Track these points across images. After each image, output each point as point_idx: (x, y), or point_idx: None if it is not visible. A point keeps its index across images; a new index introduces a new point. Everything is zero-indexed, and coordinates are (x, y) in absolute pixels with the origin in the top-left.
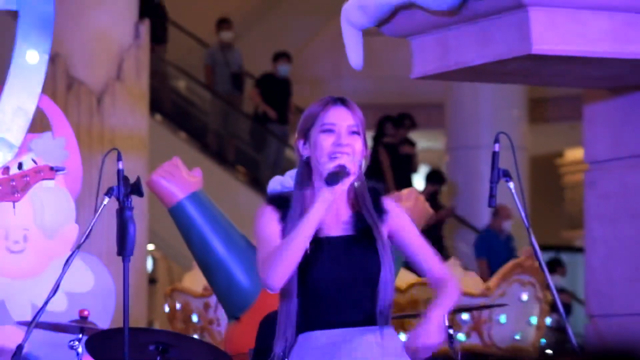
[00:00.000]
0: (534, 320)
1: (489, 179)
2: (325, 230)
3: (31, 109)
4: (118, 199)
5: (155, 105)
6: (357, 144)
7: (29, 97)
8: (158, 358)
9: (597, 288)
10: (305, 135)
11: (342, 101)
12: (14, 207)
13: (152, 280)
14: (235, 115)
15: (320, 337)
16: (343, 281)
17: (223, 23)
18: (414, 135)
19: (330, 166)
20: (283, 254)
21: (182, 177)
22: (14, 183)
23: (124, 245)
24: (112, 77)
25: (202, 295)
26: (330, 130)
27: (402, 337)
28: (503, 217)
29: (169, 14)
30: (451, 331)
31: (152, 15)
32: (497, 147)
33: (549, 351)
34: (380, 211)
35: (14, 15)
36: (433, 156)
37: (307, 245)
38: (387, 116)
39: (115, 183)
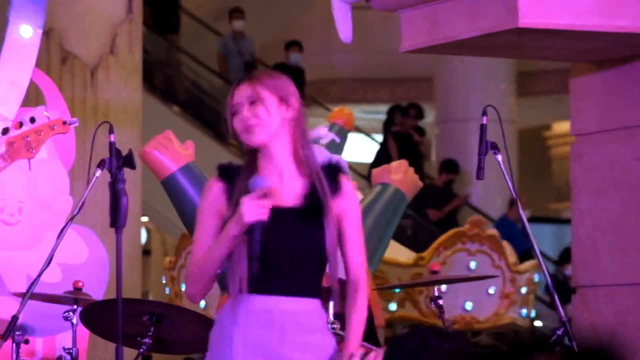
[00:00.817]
0: (492, 290)
1: (477, 152)
2: (277, 200)
3: (25, 83)
4: (110, 171)
5: (171, 96)
6: (260, 111)
7: (23, 71)
8: (152, 328)
9: (583, 259)
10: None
11: (242, 79)
12: (29, 164)
13: (146, 251)
14: None
15: (255, 301)
16: (286, 251)
17: (235, 12)
18: None
19: (244, 211)
20: (200, 273)
21: (174, 150)
22: (28, 139)
23: (116, 217)
24: (105, 51)
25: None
26: (236, 112)
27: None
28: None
29: (181, 3)
30: (441, 302)
31: (164, 4)
32: (484, 120)
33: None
34: (335, 189)
35: None
36: None
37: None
38: (396, 105)
39: (108, 156)
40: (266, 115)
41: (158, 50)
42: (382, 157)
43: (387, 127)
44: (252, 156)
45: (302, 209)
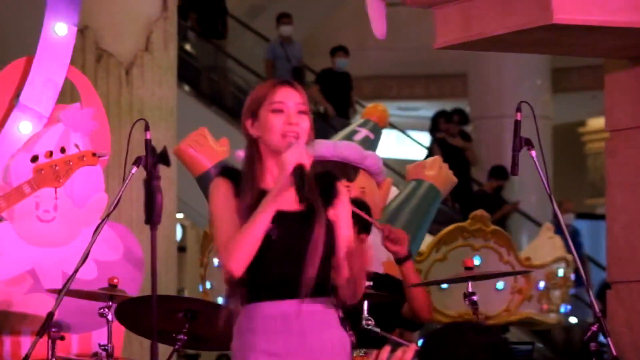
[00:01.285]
0: (500, 285)
1: (511, 148)
2: (282, 205)
3: (60, 80)
4: (145, 169)
5: (216, 100)
6: (305, 123)
7: (58, 69)
8: (187, 325)
9: (618, 255)
10: (253, 115)
11: (288, 82)
12: (55, 193)
13: (181, 248)
14: None
15: (270, 308)
16: (290, 254)
17: (283, 17)
18: (436, 105)
19: (286, 159)
20: (242, 243)
21: (209, 147)
22: (57, 168)
23: (151, 214)
24: (140, 48)
25: None
26: (279, 110)
27: None
28: (563, 210)
29: (229, 9)
30: (475, 298)
31: (212, 11)
32: (519, 116)
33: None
34: (331, 195)
35: None
36: None
37: (265, 231)
38: (441, 111)
39: (143, 153)
40: (307, 129)
41: (205, 56)
42: None
43: (432, 134)
44: (257, 153)
45: (304, 213)
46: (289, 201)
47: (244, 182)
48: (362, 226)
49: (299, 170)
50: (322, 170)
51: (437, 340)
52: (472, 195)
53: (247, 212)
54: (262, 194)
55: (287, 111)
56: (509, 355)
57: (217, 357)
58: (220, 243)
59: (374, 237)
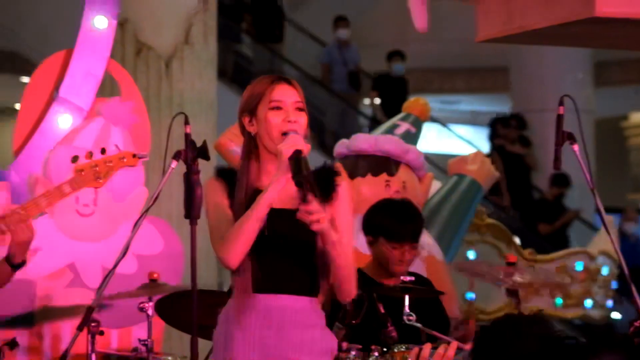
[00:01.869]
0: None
1: (553, 142)
2: (276, 202)
3: (100, 73)
4: (185, 163)
5: None
6: (303, 119)
7: (97, 62)
8: None
9: None
10: (251, 112)
11: (285, 79)
12: (95, 193)
13: None
14: (352, 114)
15: (257, 300)
16: (282, 251)
17: (340, 20)
18: (477, 99)
19: (283, 147)
20: (238, 235)
21: None
22: (97, 169)
23: (191, 209)
24: (180, 41)
25: None
26: (278, 107)
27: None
28: (626, 218)
29: (286, 13)
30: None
31: (269, 14)
32: (561, 110)
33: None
34: (330, 191)
35: None
36: None
37: (262, 223)
38: (498, 117)
39: (183, 147)
40: (305, 125)
41: (261, 60)
42: None
43: (491, 140)
44: (254, 150)
45: (295, 211)
46: (286, 199)
47: (239, 178)
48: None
49: (296, 154)
50: (323, 165)
51: (492, 332)
52: (532, 202)
53: (240, 209)
54: (256, 192)
55: (286, 108)
56: (564, 346)
57: None
58: (214, 236)
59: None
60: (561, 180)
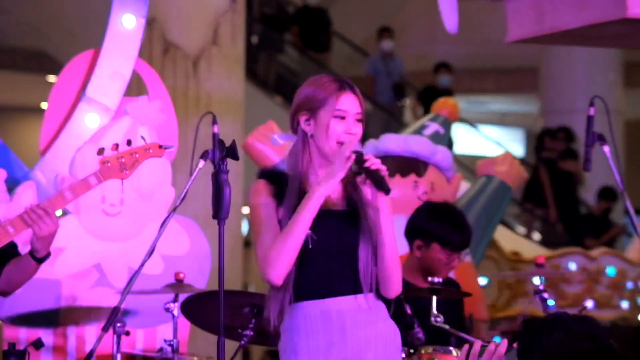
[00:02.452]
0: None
1: (583, 143)
2: (324, 203)
3: (128, 72)
4: (213, 162)
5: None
6: (360, 129)
7: (125, 61)
8: (253, 320)
9: None
10: (311, 112)
11: (351, 87)
12: (122, 184)
13: (247, 243)
14: (396, 126)
15: (312, 307)
16: (330, 254)
17: (384, 31)
18: (506, 99)
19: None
20: (281, 252)
21: None
22: (123, 160)
23: (219, 209)
24: (208, 41)
25: None
26: (342, 117)
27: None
28: None
29: (332, 23)
30: (545, 295)
31: (316, 23)
32: (592, 111)
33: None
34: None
35: None
36: (528, 120)
37: (306, 233)
38: (546, 129)
39: (210, 146)
40: (360, 136)
41: (306, 70)
42: (534, 185)
43: (538, 153)
44: (307, 150)
45: (344, 212)
46: (333, 200)
47: (291, 180)
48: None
49: (359, 155)
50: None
51: (540, 330)
52: (579, 217)
53: (290, 212)
54: (304, 195)
55: (348, 119)
56: (610, 345)
57: (265, 351)
58: (259, 253)
59: None
60: (609, 194)
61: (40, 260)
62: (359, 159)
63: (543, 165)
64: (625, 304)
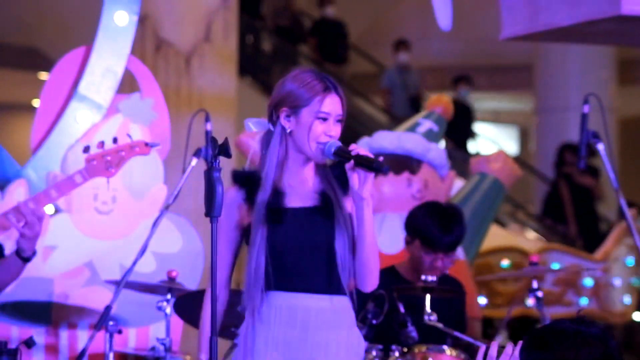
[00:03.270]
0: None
1: (578, 141)
2: (291, 201)
3: (120, 70)
4: (206, 160)
5: None
6: (338, 130)
7: (117, 58)
8: None
9: None
10: (293, 110)
11: (335, 88)
12: (107, 182)
13: None
14: None
15: (281, 298)
16: (303, 249)
17: (401, 44)
18: (500, 97)
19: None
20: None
21: None
22: (108, 158)
23: (211, 206)
24: (200, 38)
25: None
26: (324, 119)
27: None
28: None
29: (349, 36)
30: (540, 294)
31: (333, 36)
32: (586, 109)
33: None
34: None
35: None
36: (522, 118)
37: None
38: (567, 144)
39: (203, 144)
40: (338, 136)
41: None
42: (553, 199)
43: (558, 168)
44: (284, 145)
45: (316, 208)
46: (305, 196)
47: (264, 177)
48: None
49: (340, 149)
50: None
51: (556, 332)
52: (598, 233)
53: (262, 207)
54: (277, 192)
55: (329, 120)
56: (617, 347)
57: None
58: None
59: None
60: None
61: (26, 260)
62: (341, 152)
63: (563, 179)
64: (584, 301)
